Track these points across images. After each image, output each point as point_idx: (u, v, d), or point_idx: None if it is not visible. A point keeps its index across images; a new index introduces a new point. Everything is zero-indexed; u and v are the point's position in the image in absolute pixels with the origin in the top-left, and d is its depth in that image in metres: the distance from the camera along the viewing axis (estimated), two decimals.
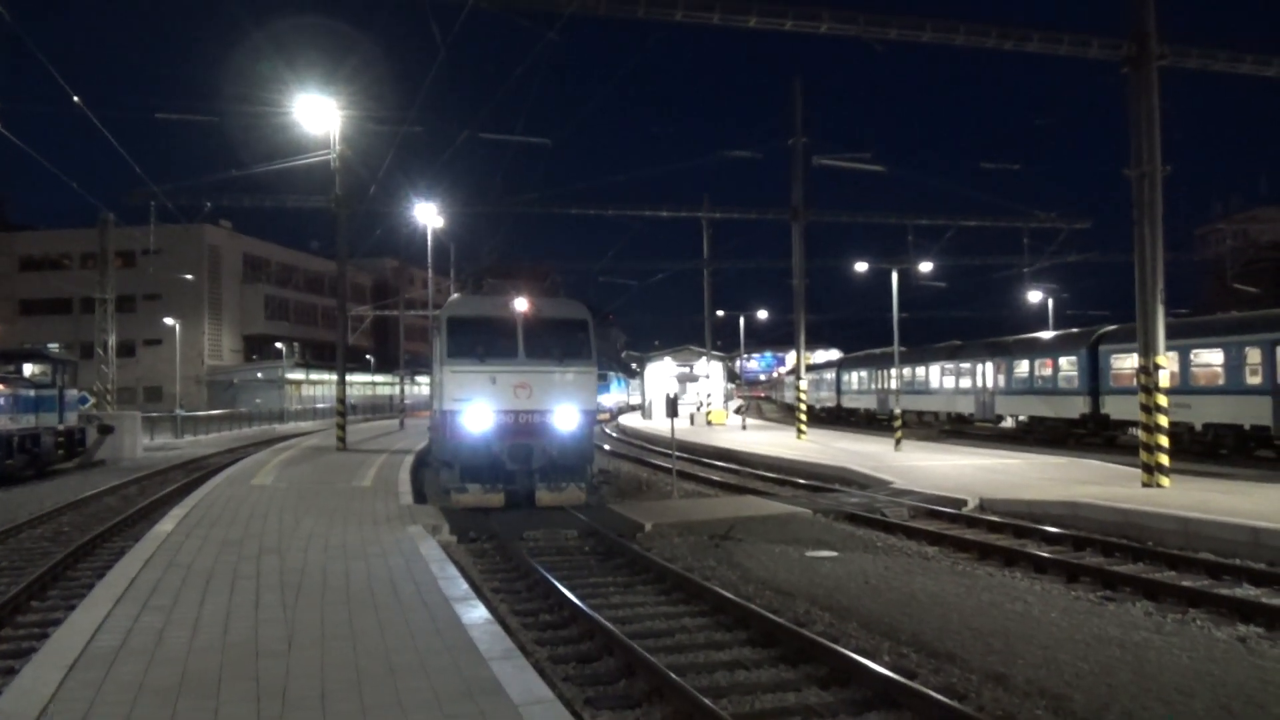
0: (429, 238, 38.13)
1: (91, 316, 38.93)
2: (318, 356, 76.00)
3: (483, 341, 14.64)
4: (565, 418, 14.60)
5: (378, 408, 68.32)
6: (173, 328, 57.50)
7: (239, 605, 7.54)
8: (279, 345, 69.91)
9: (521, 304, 14.77)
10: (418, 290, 73.73)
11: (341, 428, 25.77)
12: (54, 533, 14.36)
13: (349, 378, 27.36)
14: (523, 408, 14.39)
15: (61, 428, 24.52)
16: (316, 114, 23.36)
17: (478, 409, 14.27)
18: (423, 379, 64.12)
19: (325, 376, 67.64)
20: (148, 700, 5.27)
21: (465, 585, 8.36)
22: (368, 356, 74.63)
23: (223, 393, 65.53)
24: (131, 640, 6.48)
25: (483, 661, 5.97)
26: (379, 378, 75.27)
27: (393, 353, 64.14)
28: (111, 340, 37.17)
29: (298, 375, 70.68)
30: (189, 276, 58.83)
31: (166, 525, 11.78)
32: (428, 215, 33.64)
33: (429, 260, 40.36)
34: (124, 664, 5.94)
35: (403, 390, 51.69)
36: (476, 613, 7.27)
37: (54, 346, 53.98)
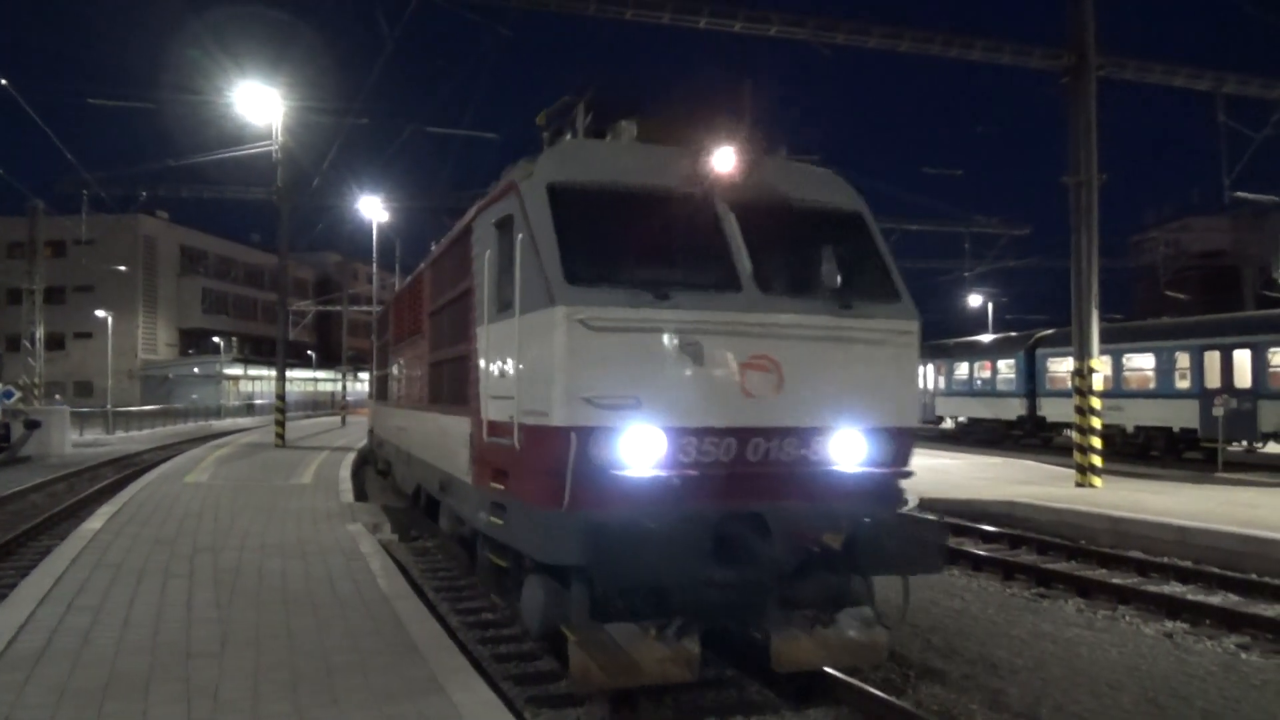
0: (374, 232, 37.70)
1: (18, 308, 37.70)
2: (257, 352, 74.43)
3: (645, 250, 6.18)
4: (855, 446, 6.21)
5: (319, 404, 67.13)
6: (105, 320, 55.83)
7: (170, 605, 7.33)
8: (216, 340, 68.32)
9: (727, 159, 6.42)
10: (361, 285, 72.64)
11: (281, 424, 25.27)
12: None
13: (289, 374, 26.83)
14: (754, 423, 5.90)
15: None
16: (258, 104, 22.88)
17: (641, 430, 5.69)
18: (365, 375, 63.27)
19: (264, 372, 66.30)
20: (73, 702, 5.09)
21: (406, 584, 8.24)
22: (309, 352, 73.38)
23: (157, 388, 63.81)
24: (56, 641, 6.26)
25: (423, 661, 5.89)
26: (320, 374, 74.06)
27: (335, 349, 63.11)
28: (39, 332, 36.00)
29: (236, 370, 69.22)
30: (123, 268, 57.17)
31: (95, 523, 11.41)
32: (372, 209, 33.20)
33: (374, 255, 39.84)
34: (48, 665, 5.74)
35: (344, 387, 50.88)
36: (417, 612, 7.17)
37: None
